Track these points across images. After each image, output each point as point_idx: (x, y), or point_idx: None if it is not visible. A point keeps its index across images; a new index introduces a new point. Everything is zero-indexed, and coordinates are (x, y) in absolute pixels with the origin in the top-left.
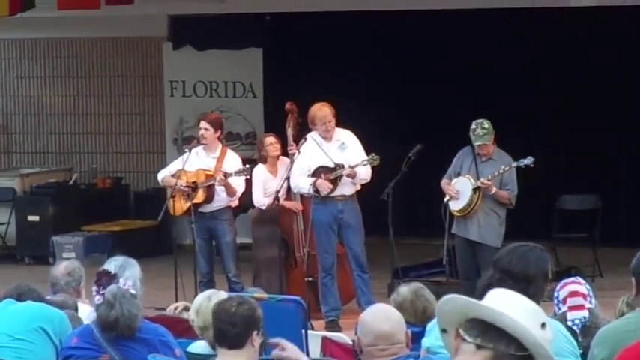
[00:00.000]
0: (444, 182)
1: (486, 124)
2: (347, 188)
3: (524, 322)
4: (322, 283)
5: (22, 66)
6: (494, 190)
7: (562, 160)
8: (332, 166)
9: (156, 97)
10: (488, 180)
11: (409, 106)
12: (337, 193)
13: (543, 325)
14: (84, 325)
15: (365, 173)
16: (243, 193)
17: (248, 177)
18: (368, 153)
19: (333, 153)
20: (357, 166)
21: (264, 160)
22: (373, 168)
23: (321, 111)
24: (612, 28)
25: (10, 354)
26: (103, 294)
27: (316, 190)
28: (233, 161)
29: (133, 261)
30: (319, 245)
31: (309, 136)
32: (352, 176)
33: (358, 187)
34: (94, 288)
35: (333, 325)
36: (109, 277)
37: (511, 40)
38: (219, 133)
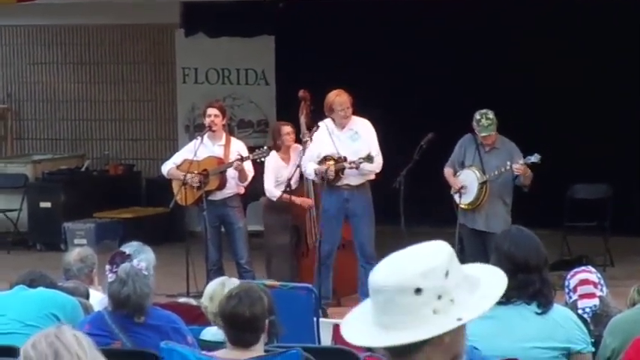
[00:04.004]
0: (448, 172)
1: (490, 114)
2: (353, 178)
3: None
4: (318, 270)
5: (34, 52)
6: (528, 171)
7: (573, 148)
8: (337, 157)
9: (168, 84)
10: (495, 174)
11: (422, 94)
12: (343, 182)
13: (418, 290)
14: (96, 312)
15: (371, 166)
16: (253, 180)
17: (264, 159)
18: (380, 142)
19: (342, 142)
20: (354, 162)
21: (278, 148)
22: (385, 156)
23: (340, 97)
24: (621, 12)
25: (21, 340)
26: (115, 272)
27: (322, 178)
28: (239, 148)
29: (148, 248)
30: (323, 233)
31: (322, 123)
32: (355, 168)
33: (370, 177)
34: (108, 267)
35: (322, 313)
36: (123, 257)
37: (520, 28)
38: (225, 120)
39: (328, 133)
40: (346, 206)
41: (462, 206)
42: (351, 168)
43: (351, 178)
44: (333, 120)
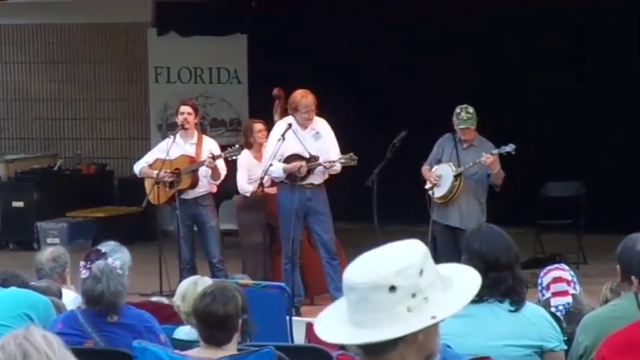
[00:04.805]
0: (424, 169)
1: (471, 108)
2: (317, 178)
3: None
4: (283, 269)
5: (7, 52)
6: (498, 167)
7: (546, 146)
8: (307, 155)
9: (140, 84)
10: (469, 165)
11: (394, 92)
12: (307, 181)
13: (392, 288)
14: (68, 311)
15: (338, 166)
16: (226, 179)
17: (236, 158)
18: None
19: (307, 142)
20: (334, 162)
21: (250, 146)
22: (358, 154)
23: (305, 99)
24: (593, 10)
25: None
26: (90, 268)
27: (288, 176)
28: (211, 146)
29: (124, 249)
30: (282, 232)
31: (283, 121)
32: (328, 167)
33: (326, 177)
34: (82, 263)
35: (295, 313)
36: (99, 254)
37: (495, 27)
38: (197, 118)
39: (292, 131)
40: (308, 204)
41: (436, 200)
42: (327, 167)
43: (315, 177)
44: (296, 119)
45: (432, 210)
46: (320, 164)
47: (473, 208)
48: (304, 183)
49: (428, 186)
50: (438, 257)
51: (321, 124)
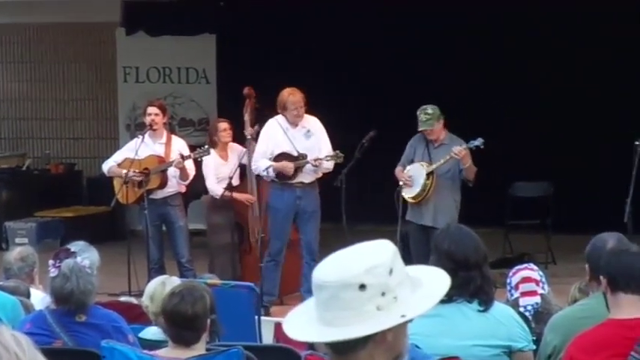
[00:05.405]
0: (397, 169)
1: (430, 109)
2: (307, 176)
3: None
4: (264, 266)
5: None
6: (469, 162)
7: (514, 147)
8: (295, 154)
9: (109, 83)
10: (441, 162)
11: (363, 93)
12: (296, 180)
13: (362, 286)
14: (37, 311)
15: (329, 164)
16: (195, 179)
17: (205, 161)
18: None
19: (297, 140)
20: (320, 159)
21: (215, 145)
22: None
23: (293, 96)
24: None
25: None
26: (59, 267)
27: (277, 175)
28: (180, 146)
29: (94, 249)
30: (272, 230)
31: (273, 120)
32: (317, 166)
33: (319, 175)
34: (51, 262)
35: (264, 311)
36: (68, 253)
37: (462, 27)
38: (166, 118)
39: (282, 130)
40: (297, 203)
41: (409, 200)
42: (315, 166)
43: (305, 176)
44: (286, 118)
45: (399, 209)
46: (307, 162)
47: (447, 206)
48: (294, 182)
49: (401, 184)
50: (411, 257)
51: (313, 122)
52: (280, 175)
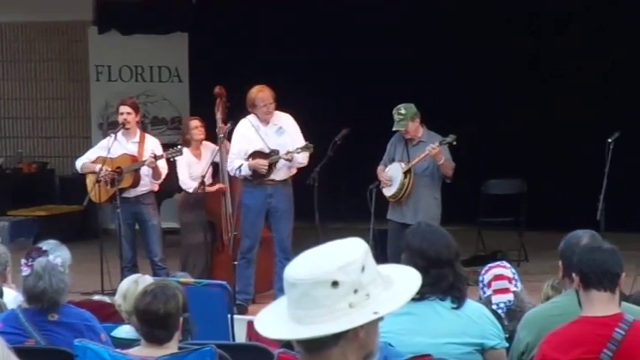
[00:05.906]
0: (379, 169)
1: (403, 109)
2: (279, 173)
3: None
4: (238, 265)
5: None
6: (443, 158)
7: (486, 144)
8: (267, 151)
9: (81, 82)
10: (417, 161)
11: (335, 90)
12: (268, 177)
13: (334, 283)
14: (9, 310)
15: (302, 157)
16: (167, 177)
17: (177, 157)
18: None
19: (269, 137)
20: (292, 153)
21: (187, 143)
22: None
23: (262, 93)
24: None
25: None
26: (31, 265)
27: (252, 173)
28: (154, 145)
29: (64, 247)
30: (242, 228)
31: (245, 119)
32: (289, 160)
33: (293, 172)
34: (23, 261)
35: (240, 310)
36: (40, 252)
37: (437, 25)
38: (138, 116)
39: (254, 129)
40: (269, 201)
41: (389, 198)
42: (287, 160)
43: (277, 173)
44: (257, 116)
45: (372, 207)
46: (280, 157)
47: (428, 204)
48: (265, 179)
49: (382, 185)
50: (386, 255)
51: (285, 119)
52: (256, 174)
